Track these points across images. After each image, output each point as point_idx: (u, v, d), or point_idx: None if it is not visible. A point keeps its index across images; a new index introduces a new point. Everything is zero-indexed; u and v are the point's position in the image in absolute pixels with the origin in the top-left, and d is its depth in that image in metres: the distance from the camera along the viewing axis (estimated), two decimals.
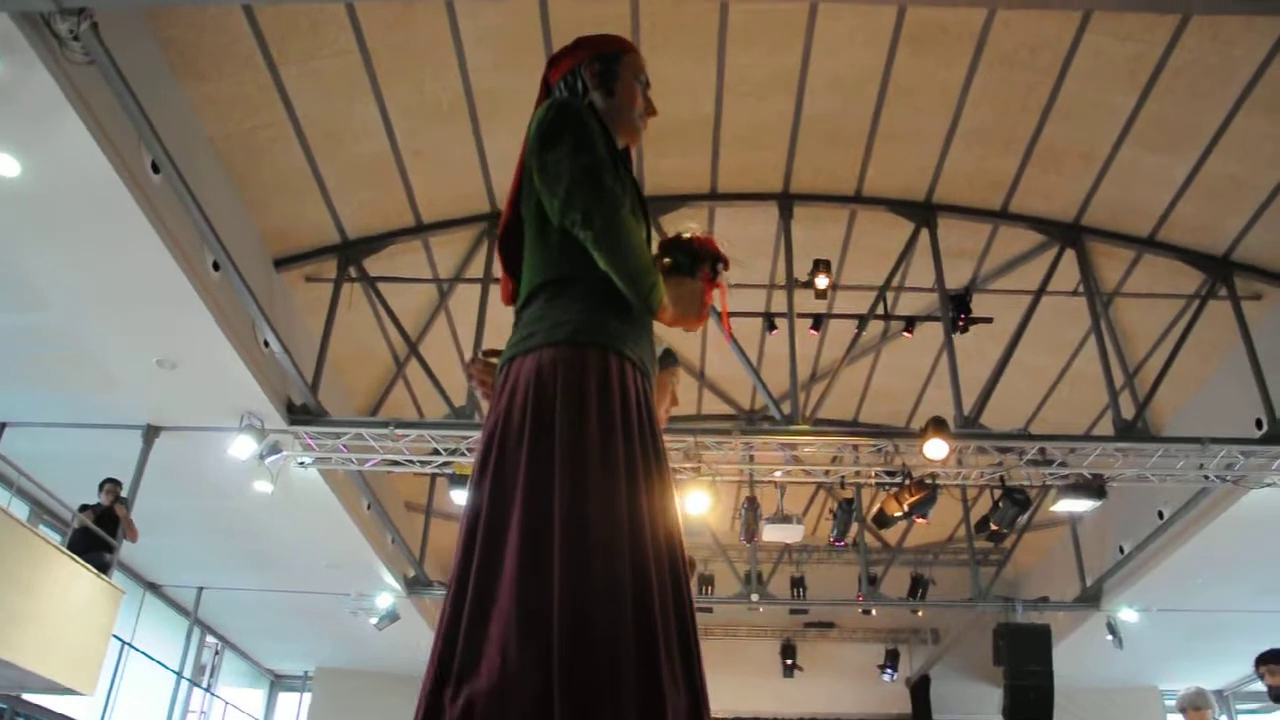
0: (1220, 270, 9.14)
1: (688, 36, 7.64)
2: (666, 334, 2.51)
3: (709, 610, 14.81)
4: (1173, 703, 11.33)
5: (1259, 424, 8.68)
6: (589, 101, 2.40)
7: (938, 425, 8.40)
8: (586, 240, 2.10)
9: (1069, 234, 9.32)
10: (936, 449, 8.38)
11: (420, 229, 9.29)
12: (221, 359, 7.70)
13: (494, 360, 2.32)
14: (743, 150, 8.78)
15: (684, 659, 1.89)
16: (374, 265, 9.28)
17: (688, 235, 2.48)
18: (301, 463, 8.97)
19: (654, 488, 2.04)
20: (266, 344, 7.97)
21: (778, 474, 9.60)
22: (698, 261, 2.43)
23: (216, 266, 7.17)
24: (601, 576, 1.83)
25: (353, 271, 9.20)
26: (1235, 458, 8.68)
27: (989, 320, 9.42)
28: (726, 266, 2.47)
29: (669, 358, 2.65)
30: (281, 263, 8.86)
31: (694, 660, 1.91)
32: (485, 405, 2.34)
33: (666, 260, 2.36)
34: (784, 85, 8.08)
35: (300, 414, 8.64)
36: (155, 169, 6.24)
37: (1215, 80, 7.47)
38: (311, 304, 9.24)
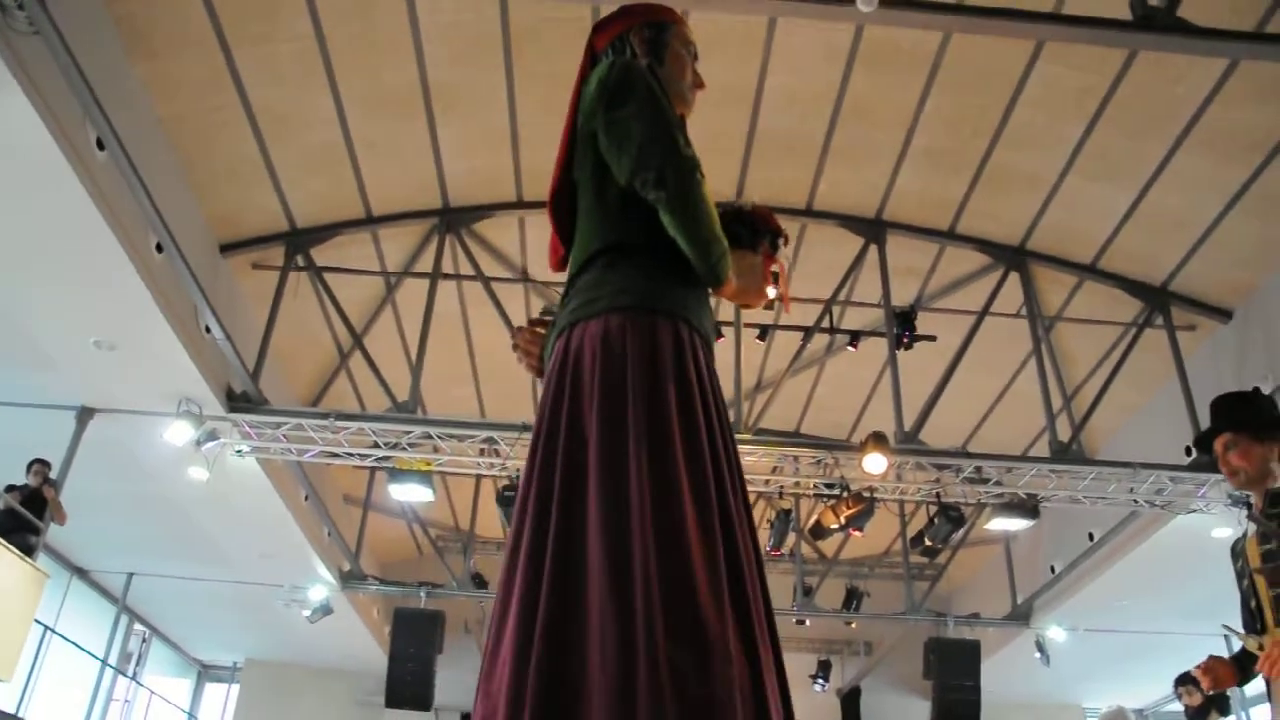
0: (1158, 300, 9.35)
1: None
2: None
3: None
4: None
5: (1188, 451, 8.89)
6: (647, 64, 2.29)
7: (877, 440, 8.50)
8: (658, 201, 2.01)
9: (1014, 257, 9.48)
10: (875, 463, 8.47)
11: (370, 221, 9.21)
12: (161, 343, 7.58)
13: (541, 330, 2.27)
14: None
15: (772, 638, 1.84)
16: (321, 255, 9.19)
17: (749, 207, 2.41)
18: (239, 451, 8.86)
19: (734, 464, 1.97)
20: (208, 330, 7.86)
21: None
22: (758, 235, 2.35)
23: (160, 249, 7.05)
24: (700, 559, 1.72)
25: (300, 260, 9.10)
26: (1164, 483, 8.89)
27: (933, 338, 9.55)
28: (787, 242, 2.41)
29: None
30: (227, 248, 8.74)
31: (776, 640, 1.87)
32: (530, 374, 2.29)
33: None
34: (740, 96, 8.13)
35: (240, 402, 8.53)
36: (100, 146, 6.13)
37: (1159, 115, 7.65)
38: (256, 291, 9.13)
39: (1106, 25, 5.10)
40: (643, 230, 2.08)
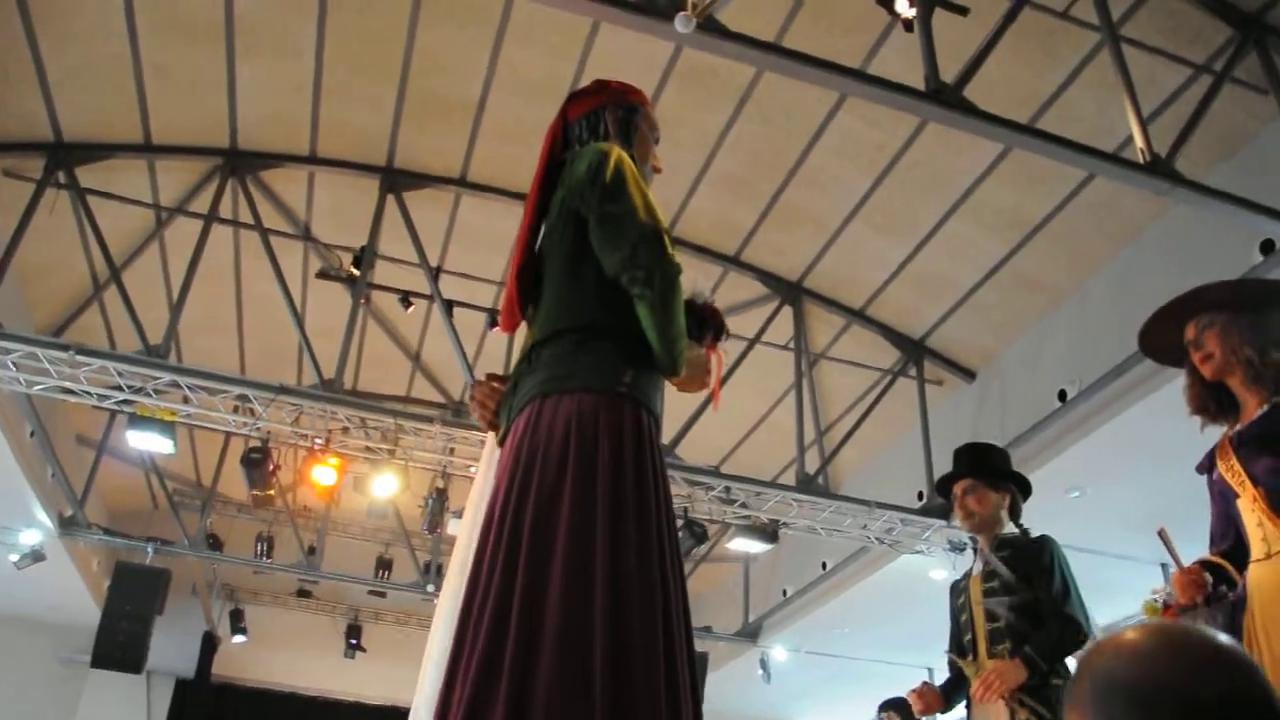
0: (914, 352, 10.01)
1: (470, 17, 7.54)
2: None
3: (382, 595, 14.58)
4: None
5: (920, 496, 9.57)
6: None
7: None
8: (640, 297, 2.17)
9: (790, 292, 9.89)
10: None
11: (148, 149, 8.60)
12: None
13: (497, 385, 2.42)
14: (500, 144, 8.70)
15: (694, 705, 2.11)
16: (88, 176, 8.50)
17: (700, 302, 2.60)
18: None
19: (675, 544, 2.19)
20: None
21: (474, 469, 9.57)
22: (704, 330, 2.56)
23: None
24: (642, 625, 1.95)
25: (61, 177, 8.39)
26: (895, 523, 9.52)
27: None
28: (727, 336, 2.67)
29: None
30: None
31: (699, 705, 2.16)
32: (481, 425, 2.49)
33: None
34: (553, 91, 8.09)
35: None
36: None
37: (939, 182, 8.20)
38: (5, 203, 8.36)
39: (903, 91, 5.41)
40: (616, 315, 2.23)
